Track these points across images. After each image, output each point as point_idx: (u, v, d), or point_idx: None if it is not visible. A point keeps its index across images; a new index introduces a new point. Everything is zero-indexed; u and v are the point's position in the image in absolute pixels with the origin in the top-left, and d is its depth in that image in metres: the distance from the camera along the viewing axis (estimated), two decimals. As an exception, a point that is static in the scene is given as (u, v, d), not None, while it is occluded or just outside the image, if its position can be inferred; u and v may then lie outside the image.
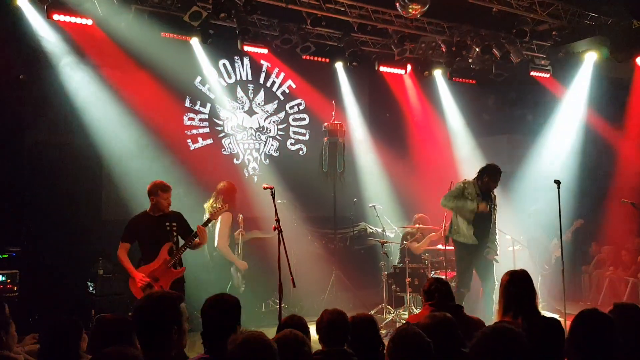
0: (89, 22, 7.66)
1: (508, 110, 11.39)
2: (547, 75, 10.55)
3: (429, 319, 3.42)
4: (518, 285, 3.92)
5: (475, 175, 7.26)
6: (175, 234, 6.12)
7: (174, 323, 2.82)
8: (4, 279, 6.97)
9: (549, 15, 8.70)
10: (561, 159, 10.41)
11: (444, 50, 9.73)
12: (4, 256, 7.15)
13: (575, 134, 10.58)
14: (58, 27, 7.75)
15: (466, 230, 7.13)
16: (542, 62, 10.44)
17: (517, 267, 4.25)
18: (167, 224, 6.09)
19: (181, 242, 6.15)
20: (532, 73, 10.40)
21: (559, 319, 4.17)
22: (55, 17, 7.38)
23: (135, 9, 7.82)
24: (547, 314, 6.76)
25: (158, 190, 6.07)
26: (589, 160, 10.41)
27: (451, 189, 7.31)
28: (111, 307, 7.39)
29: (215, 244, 7.49)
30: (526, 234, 9.42)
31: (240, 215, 7.45)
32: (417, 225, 8.62)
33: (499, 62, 9.83)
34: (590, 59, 9.83)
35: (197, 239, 6.08)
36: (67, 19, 7.48)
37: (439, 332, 3.23)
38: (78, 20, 7.56)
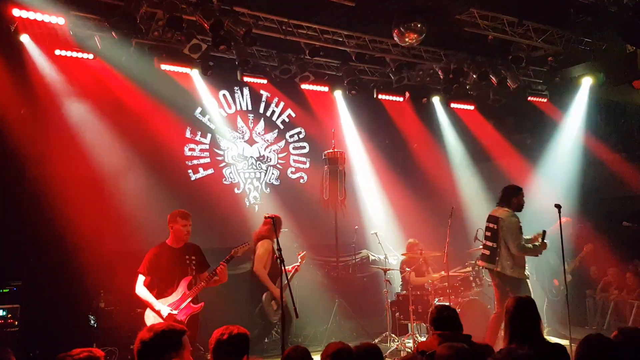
0: (90, 56, 7.77)
1: (506, 135, 11.45)
2: (545, 100, 10.65)
3: (448, 349, 3.37)
4: (524, 312, 3.91)
5: (504, 205, 6.96)
6: (194, 267, 6.03)
7: (173, 356, 2.88)
8: (4, 313, 6.91)
9: (544, 41, 8.82)
10: (561, 183, 10.42)
11: (441, 77, 9.84)
12: (4, 290, 7.09)
13: (574, 157, 10.61)
14: (60, 61, 7.84)
15: (521, 264, 6.79)
16: (539, 87, 10.55)
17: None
18: (187, 257, 6.00)
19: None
20: (529, 98, 10.49)
21: (564, 344, 4.13)
22: (57, 52, 7.48)
23: (135, 43, 7.92)
24: (553, 339, 6.71)
25: (177, 217, 6.00)
26: (589, 183, 10.42)
27: (517, 233, 6.76)
28: (113, 340, 7.33)
29: (253, 268, 7.31)
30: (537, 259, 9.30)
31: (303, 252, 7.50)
32: (420, 252, 8.57)
33: (496, 87, 9.93)
34: (586, 84, 9.92)
35: (216, 277, 5.98)
36: (69, 53, 7.59)
37: None
38: (80, 55, 7.67)
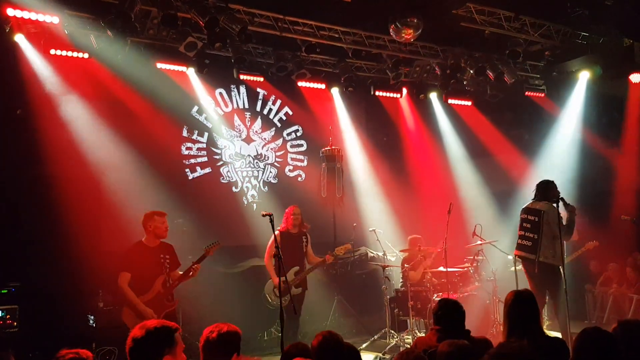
0: (86, 55, 7.75)
1: (504, 130, 11.44)
2: (542, 95, 10.64)
3: (449, 346, 3.35)
4: (523, 306, 3.90)
5: (542, 198, 7.16)
6: (167, 266, 6.25)
7: (167, 352, 2.86)
8: (3, 314, 6.90)
9: (540, 35, 8.81)
10: (559, 177, 10.40)
11: (438, 73, 9.83)
12: (3, 291, 7.09)
13: (571, 151, 10.60)
14: (55, 61, 7.82)
15: (561, 253, 6.95)
16: (536, 82, 10.54)
17: (519, 287, 4.21)
18: (162, 256, 6.23)
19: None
20: (526, 93, 10.48)
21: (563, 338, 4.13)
22: (52, 51, 7.46)
23: (131, 42, 7.89)
24: (553, 333, 6.71)
25: (154, 215, 6.28)
26: (586, 177, 10.41)
27: (561, 222, 6.92)
28: (112, 339, 7.31)
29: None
30: None
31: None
32: (419, 248, 8.56)
33: (494, 83, 9.92)
34: (583, 78, 9.91)
35: (191, 274, 6.29)
36: (64, 53, 7.57)
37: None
38: (75, 54, 7.65)
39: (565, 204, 6.93)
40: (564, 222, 6.96)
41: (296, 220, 7.66)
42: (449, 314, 4.21)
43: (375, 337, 8.26)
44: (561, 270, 6.98)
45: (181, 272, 6.39)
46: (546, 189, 7.23)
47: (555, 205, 6.97)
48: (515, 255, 7.38)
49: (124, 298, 6.12)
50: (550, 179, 7.46)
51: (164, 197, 8.42)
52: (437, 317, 4.24)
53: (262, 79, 9.44)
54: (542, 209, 7.09)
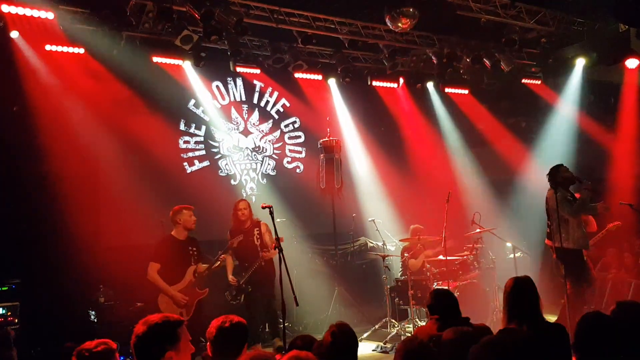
0: (81, 50, 7.73)
1: (501, 118, 11.44)
2: (538, 82, 10.63)
3: (453, 333, 3.37)
4: (522, 292, 3.90)
5: (552, 185, 7.00)
6: (196, 258, 6.61)
7: (168, 349, 2.85)
8: (4, 311, 6.91)
9: (536, 22, 8.80)
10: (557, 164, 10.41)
11: (434, 62, 9.80)
12: (4, 288, 7.09)
13: (569, 138, 10.60)
14: (51, 56, 7.79)
15: (581, 234, 6.98)
16: (533, 70, 10.52)
17: (519, 274, 4.22)
18: (190, 248, 6.56)
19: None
20: (523, 80, 10.46)
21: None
22: (48, 47, 7.44)
23: (126, 36, 7.86)
24: (553, 318, 6.75)
25: (183, 209, 6.59)
26: (585, 164, 10.42)
27: (566, 204, 6.85)
28: (113, 334, 7.33)
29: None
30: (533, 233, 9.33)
31: None
32: (418, 237, 8.59)
33: (490, 71, 9.91)
34: (580, 64, 9.90)
35: (219, 264, 6.75)
36: (60, 48, 7.55)
37: (464, 347, 3.20)
38: (70, 49, 7.63)
39: (579, 182, 6.90)
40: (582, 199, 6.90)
41: (243, 215, 7.48)
42: (444, 302, 4.31)
43: (376, 326, 8.29)
44: (582, 254, 7.02)
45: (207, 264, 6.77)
46: (551, 175, 7.10)
47: (553, 189, 6.91)
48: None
49: (155, 286, 6.41)
50: (548, 166, 7.43)
51: (162, 191, 8.44)
52: (432, 307, 4.32)
53: (258, 71, 9.43)
54: (547, 196, 7.06)
